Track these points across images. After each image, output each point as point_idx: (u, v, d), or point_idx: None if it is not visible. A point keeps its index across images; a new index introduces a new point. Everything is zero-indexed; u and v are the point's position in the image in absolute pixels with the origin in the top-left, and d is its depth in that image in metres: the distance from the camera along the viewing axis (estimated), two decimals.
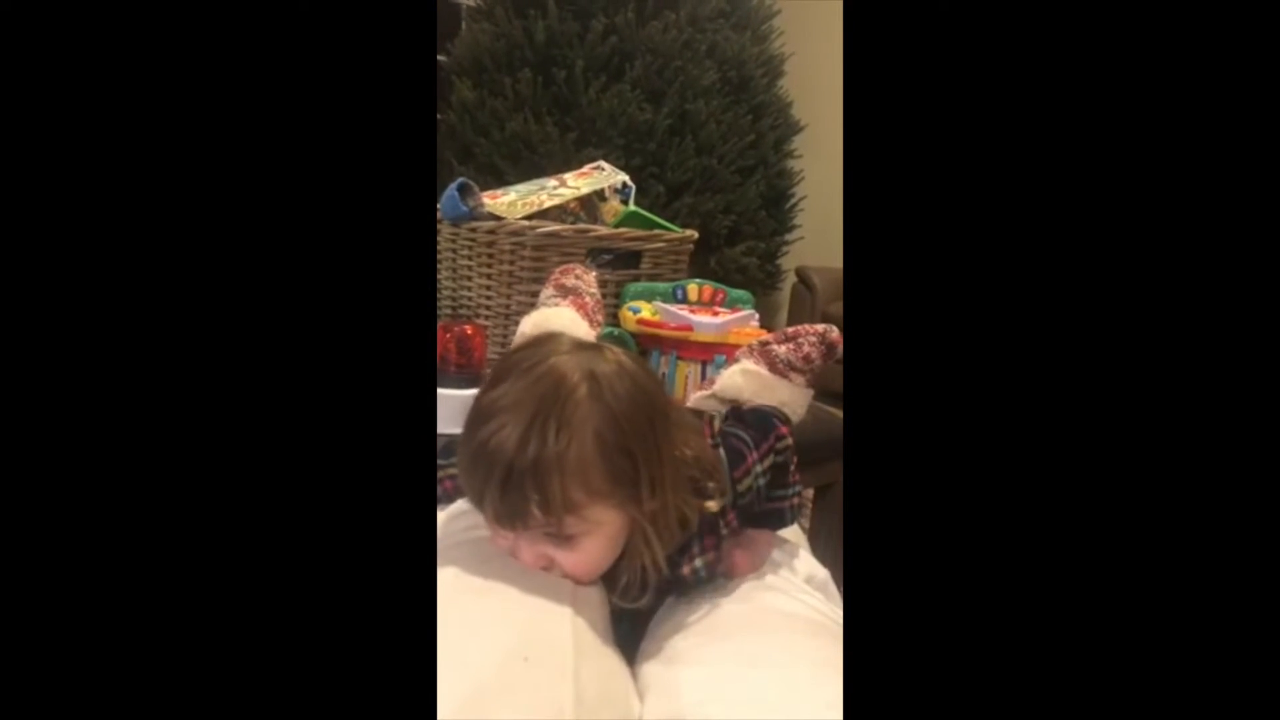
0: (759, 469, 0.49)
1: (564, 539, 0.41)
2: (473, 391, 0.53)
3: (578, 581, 0.43)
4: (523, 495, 0.38)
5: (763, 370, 0.67)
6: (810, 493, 1.05)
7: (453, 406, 0.55)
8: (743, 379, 0.67)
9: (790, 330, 0.69)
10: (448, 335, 0.78)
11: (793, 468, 0.52)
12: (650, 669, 0.41)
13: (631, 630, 0.48)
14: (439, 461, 0.54)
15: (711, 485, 0.45)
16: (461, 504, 0.50)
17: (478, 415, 0.40)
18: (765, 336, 0.72)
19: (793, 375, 0.67)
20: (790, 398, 0.65)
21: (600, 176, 1.23)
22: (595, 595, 0.45)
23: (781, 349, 0.67)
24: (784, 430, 0.52)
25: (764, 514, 0.52)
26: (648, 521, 0.41)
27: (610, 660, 0.40)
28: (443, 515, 0.51)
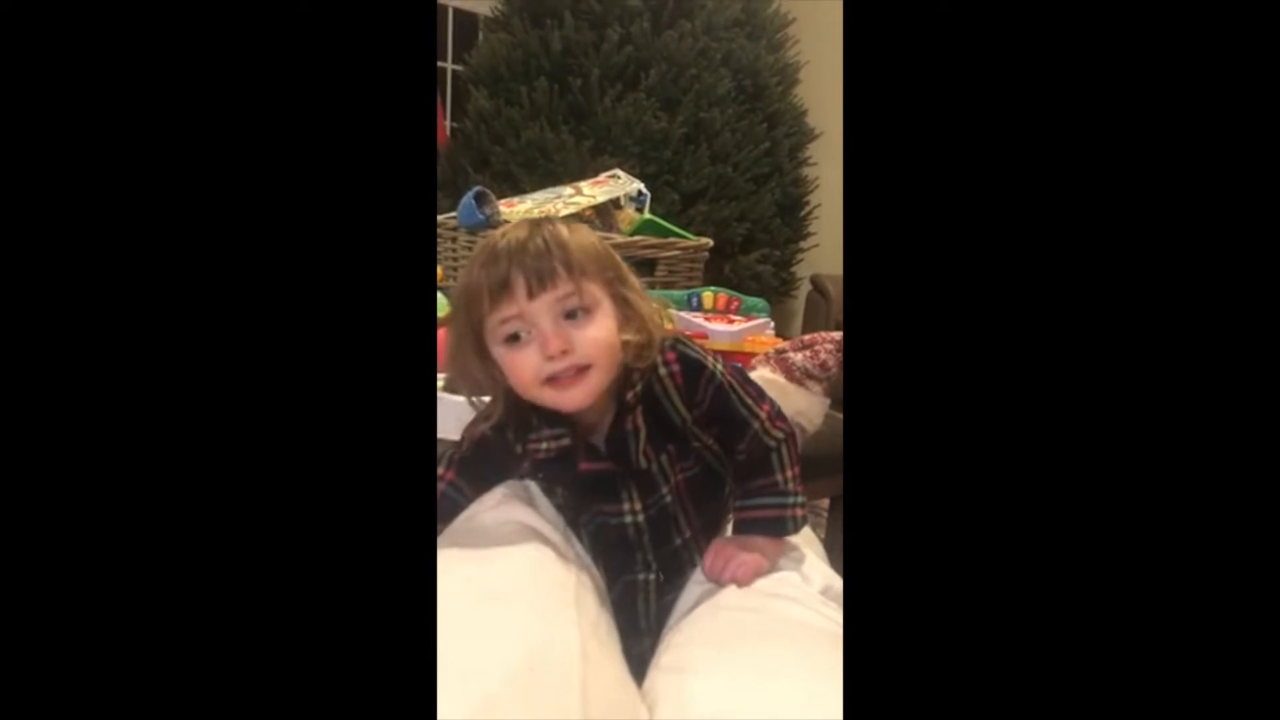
0: (717, 369, 0.50)
1: (583, 311, 0.47)
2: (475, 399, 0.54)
3: (592, 365, 0.47)
4: (548, 256, 0.46)
5: (780, 378, 0.66)
6: (825, 503, 1.04)
7: (454, 413, 0.55)
8: None
9: (807, 338, 0.69)
10: None
11: (791, 474, 0.51)
12: (661, 679, 0.41)
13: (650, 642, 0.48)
14: (439, 470, 0.54)
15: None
16: (468, 514, 0.50)
17: (482, 253, 0.48)
18: (781, 344, 0.71)
19: (809, 383, 0.66)
20: (807, 406, 0.65)
21: (615, 184, 1.24)
22: (601, 604, 0.45)
23: (798, 356, 0.67)
24: (766, 408, 0.51)
25: (759, 519, 0.51)
26: (631, 307, 0.49)
27: (617, 669, 0.39)
28: (448, 525, 0.51)
